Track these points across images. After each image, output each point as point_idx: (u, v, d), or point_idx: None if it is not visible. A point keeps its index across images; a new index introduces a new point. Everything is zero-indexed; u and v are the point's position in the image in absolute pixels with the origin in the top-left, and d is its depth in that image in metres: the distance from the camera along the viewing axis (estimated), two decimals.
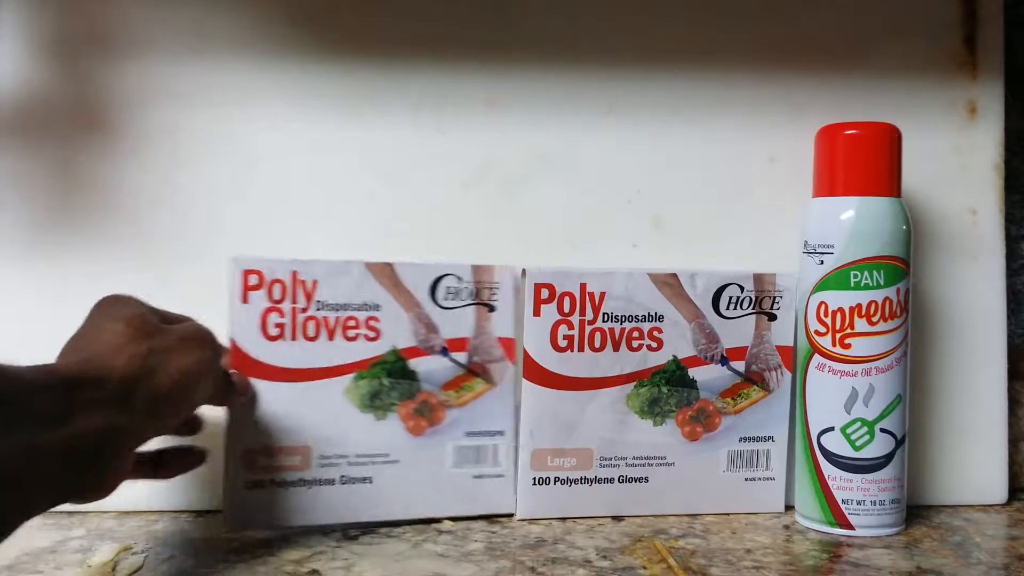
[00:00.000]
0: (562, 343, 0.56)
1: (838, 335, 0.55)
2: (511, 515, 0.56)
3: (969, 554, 0.52)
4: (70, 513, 0.54)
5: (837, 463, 0.55)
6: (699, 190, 0.60)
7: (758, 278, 0.58)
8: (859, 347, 0.54)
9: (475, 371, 0.56)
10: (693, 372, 0.57)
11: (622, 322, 0.56)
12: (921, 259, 0.61)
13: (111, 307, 0.44)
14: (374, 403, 0.54)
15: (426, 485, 0.54)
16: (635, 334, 0.57)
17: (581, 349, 0.56)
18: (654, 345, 0.57)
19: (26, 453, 0.35)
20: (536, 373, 0.56)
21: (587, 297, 0.56)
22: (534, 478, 0.56)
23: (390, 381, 0.54)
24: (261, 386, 0.52)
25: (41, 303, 0.55)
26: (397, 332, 0.54)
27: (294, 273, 0.53)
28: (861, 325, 0.54)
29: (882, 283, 0.54)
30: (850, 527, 0.55)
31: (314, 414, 0.53)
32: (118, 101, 0.56)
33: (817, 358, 0.56)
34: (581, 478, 0.57)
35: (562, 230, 0.59)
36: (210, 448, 0.51)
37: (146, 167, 0.57)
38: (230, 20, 0.57)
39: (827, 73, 0.61)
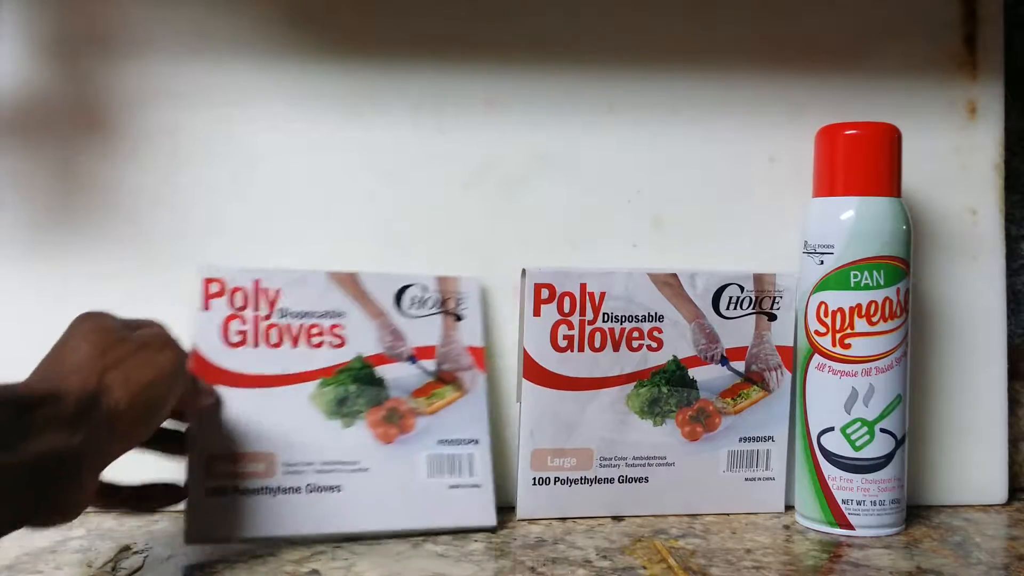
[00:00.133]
0: (562, 343, 0.56)
1: (838, 335, 0.55)
2: (493, 529, 0.53)
3: (969, 554, 0.52)
4: None
5: (837, 463, 0.55)
6: (699, 190, 0.60)
7: (758, 278, 0.58)
8: (859, 347, 0.54)
9: (444, 379, 0.55)
10: (693, 372, 0.57)
11: (622, 322, 0.56)
12: (921, 259, 0.61)
13: (79, 325, 0.42)
14: (341, 409, 0.53)
15: (398, 495, 0.52)
16: (635, 334, 0.57)
17: (581, 349, 0.56)
18: (654, 345, 0.57)
19: None
20: (536, 373, 0.56)
21: (587, 297, 0.56)
22: (534, 478, 0.56)
23: (357, 387, 0.53)
24: (224, 392, 0.51)
25: (41, 303, 0.55)
26: (363, 339, 0.54)
27: (256, 282, 0.53)
28: (861, 325, 0.54)
29: (882, 283, 0.54)
30: (850, 527, 0.55)
31: (279, 420, 0.52)
32: (118, 101, 0.56)
33: (817, 358, 0.56)
34: (581, 478, 0.57)
35: (562, 230, 0.59)
36: None
37: (146, 167, 0.57)
38: (230, 20, 0.57)
39: (827, 73, 0.61)
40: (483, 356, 0.56)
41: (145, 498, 0.48)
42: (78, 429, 0.38)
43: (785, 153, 0.61)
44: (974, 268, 0.62)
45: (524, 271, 0.56)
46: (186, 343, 0.49)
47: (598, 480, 0.57)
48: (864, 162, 0.55)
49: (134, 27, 0.56)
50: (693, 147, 0.60)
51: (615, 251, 0.60)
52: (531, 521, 0.56)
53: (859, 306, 0.54)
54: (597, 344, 0.56)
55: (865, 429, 0.55)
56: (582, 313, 0.56)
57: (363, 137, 0.58)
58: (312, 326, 0.53)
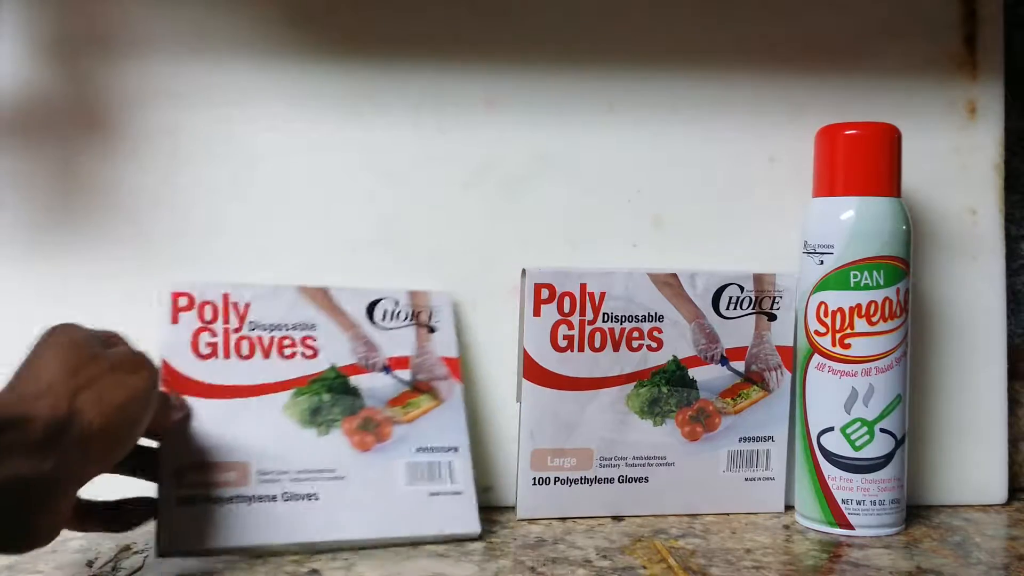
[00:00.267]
0: (562, 343, 0.56)
1: (838, 335, 0.55)
2: (476, 538, 0.52)
3: (969, 554, 0.52)
4: None
5: (837, 463, 0.55)
6: (699, 190, 0.60)
7: (758, 278, 0.58)
8: (859, 347, 0.54)
9: (420, 388, 0.54)
10: (693, 372, 0.57)
11: (622, 322, 0.56)
12: (921, 259, 0.61)
13: (48, 340, 0.41)
14: (315, 419, 0.52)
15: (377, 503, 0.51)
16: (635, 334, 0.57)
17: (581, 349, 0.56)
18: (654, 345, 0.57)
19: None
20: (536, 373, 0.56)
21: (587, 297, 0.56)
22: (534, 478, 0.56)
23: (331, 397, 0.52)
24: (195, 403, 0.50)
25: (41, 303, 0.55)
26: (335, 350, 0.53)
27: (225, 296, 0.53)
28: (861, 325, 0.54)
29: (882, 283, 0.54)
30: (850, 527, 0.55)
31: (252, 429, 0.50)
32: (118, 101, 0.56)
33: (817, 358, 0.56)
34: (581, 478, 0.57)
35: (562, 230, 0.59)
36: None
37: (146, 167, 0.57)
38: (230, 20, 0.57)
39: (827, 73, 0.61)
40: (458, 366, 0.55)
41: (123, 514, 0.47)
42: (48, 454, 0.37)
43: (785, 153, 0.61)
44: (974, 268, 0.62)
45: (524, 271, 0.56)
46: (155, 355, 0.47)
47: (598, 480, 0.57)
48: (864, 162, 0.55)
49: (134, 27, 0.56)
50: (693, 147, 0.60)
51: (615, 251, 0.60)
52: (531, 521, 0.56)
53: (859, 306, 0.54)
54: (597, 344, 0.56)
55: (865, 429, 0.55)
56: (582, 313, 0.56)
57: (363, 137, 0.58)
58: (283, 338, 0.53)
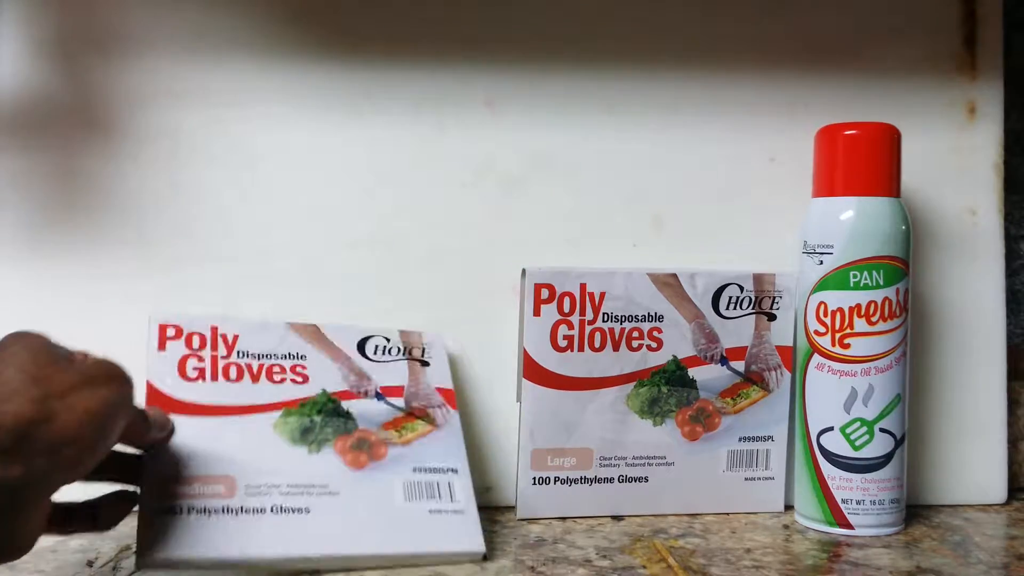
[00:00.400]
0: (562, 343, 0.56)
1: (838, 335, 0.55)
2: (484, 557, 0.49)
3: (969, 554, 0.52)
4: None
5: (837, 463, 0.55)
6: (699, 190, 0.60)
7: (758, 278, 0.58)
8: (859, 347, 0.54)
9: (415, 414, 0.53)
10: (693, 372, 0.57)
11: (622, 322, 0.56)
12: (920, 259, 0.61)
13: (10, 347, 0.39)
14: (306, 438, 0.50)
15: (374, 518, 0.48)
16: (635, 334, 0.57)
17: (581, 349, 0.56)
18: (654, 345, 0.57)
19: None
20: (536, 373, 0.56)
21: (587, 297, 0.56)
22: (534, 478, 0.56)
23: (322, 418, 0.51)
24: (179, 420, 0.48)
25: (41, 303, 0.55)
26: (326, 377, 0.52)
27: (214, 328, 0.51)
28: (860, 325, 0.54)
29: (881, 283, 0.54)
30: (849, 527, 0.55)
31: (239, 444, 0.48)
32: (118, 101, 0.56)
33: (817, 358, 0.56)
34: (581, 478, 0.57)
35: (562, 230, 0.59)
36: None
37: (146, 168, 0.57)
38: (230, 20, 0.57)
39: (827, 73, 0.61)
40: (454, 397, 0.55)
41: (102, 512, 0.46)
42: (13, 461, 0.36)
43: (785, 153, 0.61)
44: (973, 268, 0.62)
45: (524, 271, 0.56)
46: (139, 377, 0.45)
47: (598, 480, 0.57)
48: (864, 162, 0.55)
49: (134, 27, 0.56)
50: (693, 147, 0.60)
51: (615, 251, 0.60)
52: (531, 521, 0.56)
53: (858, 306, 0.54)
54: (597, 344, 0.56)
55: (865, 429, 0.55)
56: (582, 313, 0.56)
57: (363, 137, 0.58)
58: (273, 365, 0.51)
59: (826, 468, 0.55)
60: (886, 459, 0.55)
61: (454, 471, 0.52)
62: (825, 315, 0.55)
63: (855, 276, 0.54)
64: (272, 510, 0.47)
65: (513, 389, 0.58)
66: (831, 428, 0.55)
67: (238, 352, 0.51)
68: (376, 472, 0.50)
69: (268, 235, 0.57)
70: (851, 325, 0.54)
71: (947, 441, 0.61)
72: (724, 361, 0.58)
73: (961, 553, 0.52)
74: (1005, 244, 0.62)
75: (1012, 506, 0.61)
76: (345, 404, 0.52)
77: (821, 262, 0.55)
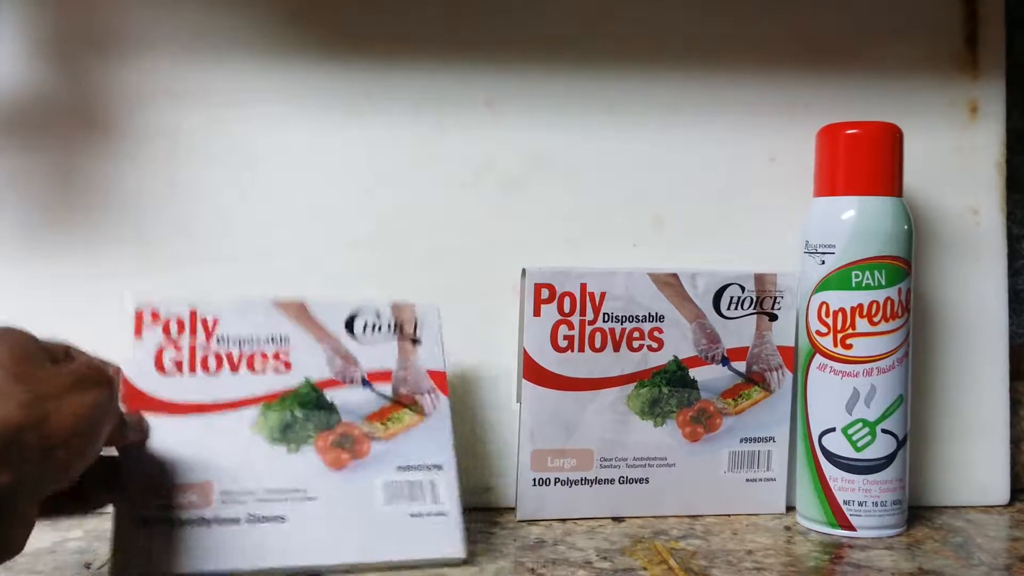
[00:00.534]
0: (562, 343, 0.56)
1: (839, 335, 0.55)
2: (462, 562, 0.48)
3: (971, 555, 0.52)
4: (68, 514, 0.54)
5: (838, 464, 0.55)
6: (699, 190, 0.60)
7: (759, 278, 0.58)
8: (860, 347, 0.54)
9: (402, 402, 0.51)
10: (694, 372, 0.57)
11: (622, 322, 0.56)
12: (922, 259, 0.61)
13: None
14: (286, 435, 0.49)
15: (351, 526, 0.47)
16: (635, 334, 0.56)
17: (581, 349, 0.56)
18: (655, 345, 0.57)
19: None
20: (536, 373, 0.55)
21: (587, 297, 0.56)
22: (534, 479, 0.56)
23: (304, 412, 0.49)
24: (156, 421, 0.47)
25: (40, 303, 0.55)
26: (310, 364, 0.50)
27: (192, 311, 0.49)
28: (862, 325, 0.54)
29: (883, 283, 0.54)
30: (851, 528, 0.55)
31: (216, 447, 0.47)
32: (117, 101, 0.56)
33: (818, 358, 0.55)
34: (581, 479, 0.56)
35: (562, 230, 0.59)
36: None
37: (146, 167, 0.56)
38: (229, 20, 0.57)
39: (828, 72, 0.61)
40: (444, 380, 0.52)
41: (85, 493, 0.44)
42: (4, 468, 0.35)
43: (786, 153, 0.61)
44: (976, 268, 0.61)
45: (524, 271, 0.56)
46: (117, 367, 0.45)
47: (598, 481, 0.57)
48: (865, 162, 0.55)
49: (134, 27, 0.56)
50: (693, 147, 0.60)
51: (615, 251, 0.59)
52: (531, 522, 0.56)
53: (860, 306, 0.54)
54: (597, 344, 0.56)
55: (867, 430, 0.54)
56: (582, 313, 0.56)
57: (363, 137, 0.58)
58: (254, 353, 0.50)
59: (828, 469, 0.55)
60: (888, 460, 0.55)
61: (439, 468, 0.50)
62: (827, 315, 0.55)
63: (857, 276, 0.54)
64: (246, 519, 0.46)
65: (513, 389, 0.58)
66: (833, 429, 0.55)
67: (218, 338, 0.49)
68: (357, 472, 0.49)
69: (268, 235, 0.57)
70: (853, 325, 0.54)
71: (949, 442, 0.61)
72: (725, 361, 0.58)
73: (963, 555, 0.52)
74: (1007, 244, 0.62)
75: (1014, 507, 0.61)
76: (329, 394, 0.50)
77: (823, 262, 0.55)
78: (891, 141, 0.55)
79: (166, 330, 0.49)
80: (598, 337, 0.56)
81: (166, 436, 0.47)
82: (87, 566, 0.47)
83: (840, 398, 0.55)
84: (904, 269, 0.54)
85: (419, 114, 0.58)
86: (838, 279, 0.54)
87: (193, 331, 0.49)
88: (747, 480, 0.58)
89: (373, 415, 0.50)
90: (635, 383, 0.57)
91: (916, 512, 0.59)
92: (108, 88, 0.56)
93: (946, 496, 0.61)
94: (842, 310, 0.54)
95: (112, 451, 0.46)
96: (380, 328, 0.52)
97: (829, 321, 0.55)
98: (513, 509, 0.57)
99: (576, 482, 0.56)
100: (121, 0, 0.56)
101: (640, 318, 0.56)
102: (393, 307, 0.53)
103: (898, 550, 0.53)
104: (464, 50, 0.59)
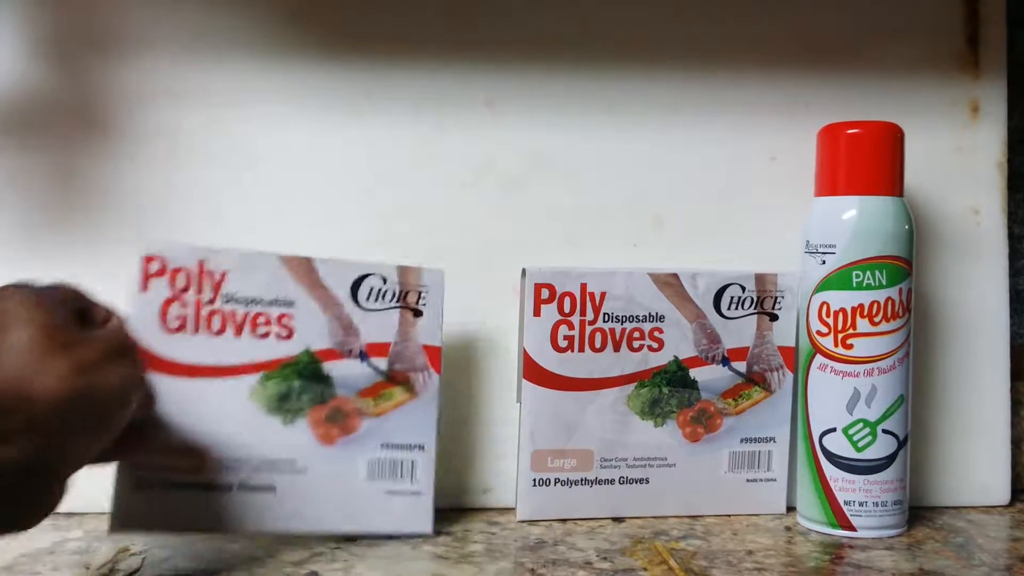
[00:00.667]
0: (562, 343, 0.56)
1: (840, 335, 0.54)
2: (429, 535, 0.52)
3: (972, 556, 0.52)
4: (68, 515, 0.54)
5: (839, 464, 0.55)
6: (700, 190, 0.60)
7: (760, 278, 0.58)
8: (861, 347, 0.54)
9: (395, 379, 0.52)
10: (694, 372, 0.57)
11: (623, 322, 0.56)
12: (923, 259, 0.60)
13: (12, 305, 0.37)
14: (283, 406, 0.50)
15: (334, 498, 0.51)
16: (636, 334, 0.56)
17: (581, 350, 0.56)
18: (655, 345, 0.57)
19: None
20: (536, 373, 0.55)
21: (587, 297, 0.56)
22: (534, 479, 0.56)
23: (301, 383, 0.51)
24: (159, 382, 0.48)
25: None
26: (312, 332, 0.51)
27: (201, 263, 0.49)
28: (863, 325, 0.54)
29: (884, 283, 0.54)
30: (852, 528, 0.55)
31: (215, 415, 0.49)
32: (117, 101, 0.56)
33: (819, 358, 0.55)
34: (581, 479, 0.56)
35: (562, 230, 0.59)
36: None
37: (145, 167, 0.56)
38: (229, 20, 0.57)
39: (829, 72, 0.61)
40: (439, 356, 0.54)
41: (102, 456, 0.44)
42: (50, 437, 0.36)
43: (786, 152, 0.60)
44: (977, 268, 0.61)
45: (524, 271, 0.56)
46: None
47: (599, 481, 0.57)
48: (866, 161, 0.55)
49: (134, 27, 0.56)
50: (693, 147, 0.60)
51: (615, 251, 0.59)
52: (531, 522, 0.56)
53: (861, 306, 0.54)
54: (598, 344, 0.56)
55: (867, 430, 0.54)
56: (582, 313, 0.56)
57: (363, 137, 0.58)
58: (259, 314, 0.50)
59: (828, 469, 0.55)
60: (889, 460, 0.55)
61: (420, 448, 0.53)
62: (827, 315, 0.55)
63: (858, 276, 0.54)
64: (239, 487, 0.49)
65: (513, 390, 0.58)
66: (833, 429, 0.55)
67: (224, 296, 0.50)
68: (345, 448, 0.51)
69: (267, 235, 0.57)
70: (854, 325, 0.54)
71: (950, 442, 0.61)
72: (726, 362, 0.57)
73: (964, 555, 0.52)
74: (1009, 244, 0.62)
75: (1015, 508, 0.61)
76: (327, 366, 0.51)
77: (823, 262, 0.55)
78: (892, 141, 0.55)
79: (172, 283, 0.49)
80: (598, 337, 0.56)
81: (168, 399, 0.48)
82: (87, 567, 0.47)
83: (841, 398, 0.54)
84: (905, 269, 0.54)
85: (419, 114, 0.58)
86: (839, 279, 0.54)
87: (200, 287, 0.50)
88: (747, 480, 0.58)
89: (366, 391, 0.52)
90: (635, 383, 0.56)
91: (917, 512, 0.59)
92: (108, 88, 0.56)
93: (947, 496, 0.61)
94: (843, 310, 0.54)
95: None
96: (385, 295, 0.53)
97: (830, 321, 0.55)
98: (513, 509, 0.57)
99: (576, 482, 0.56)
100: (121, 0, 0.56)
101: (640, 318, 0.56)
102: (400, 271, 0.53)
103: (899, 550, 0.53)
104: (464, 50, 0.59)
